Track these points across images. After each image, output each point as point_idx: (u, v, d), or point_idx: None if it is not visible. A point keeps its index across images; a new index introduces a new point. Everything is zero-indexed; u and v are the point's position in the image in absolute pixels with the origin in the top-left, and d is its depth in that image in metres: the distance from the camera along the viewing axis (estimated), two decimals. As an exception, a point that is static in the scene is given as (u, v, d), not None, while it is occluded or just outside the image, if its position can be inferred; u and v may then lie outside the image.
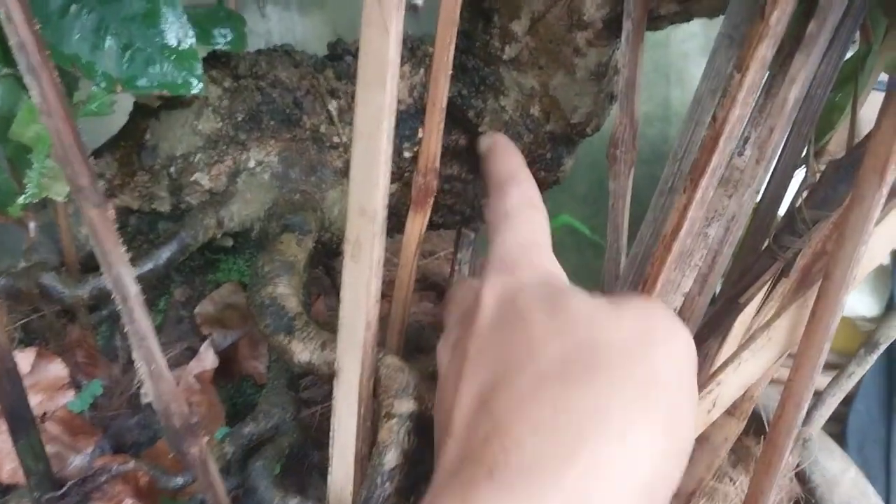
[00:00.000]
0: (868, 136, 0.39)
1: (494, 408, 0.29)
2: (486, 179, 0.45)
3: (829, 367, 0.49)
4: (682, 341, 0.32)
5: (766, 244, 0.46)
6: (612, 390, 0.28)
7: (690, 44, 1.24)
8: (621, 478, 0.26)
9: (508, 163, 0.44)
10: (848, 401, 0.97)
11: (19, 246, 0.56)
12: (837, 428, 0.98)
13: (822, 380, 0.52)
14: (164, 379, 0.34)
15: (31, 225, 0.46)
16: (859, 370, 0.53)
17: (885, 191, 0.36)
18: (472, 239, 0.67)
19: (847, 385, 0.53)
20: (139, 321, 0.33)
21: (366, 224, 0.40)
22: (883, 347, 0.52)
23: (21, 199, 0.42)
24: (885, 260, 0.90)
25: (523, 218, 0.40)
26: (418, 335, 0.66)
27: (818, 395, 0.55)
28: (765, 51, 0.36)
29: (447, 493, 0.27)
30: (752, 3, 0.40)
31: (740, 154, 0.42)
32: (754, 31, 0.36)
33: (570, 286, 0.36)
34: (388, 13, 0.38)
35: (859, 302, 0.93)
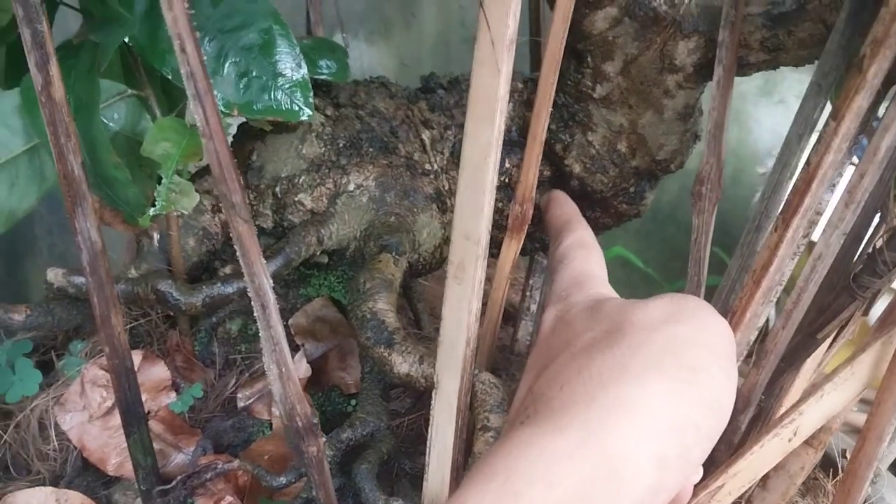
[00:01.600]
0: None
1: (535, 388, 0.33)
2: (547, 230, 0.51)
3: None
4: (710, 319, 0.33)
5: (845, 283, 0.48)
6: (632, 351, 0.31)
7: (748, 84, 1.26)
8: (640, 413, 0.28)
9: (563, 212, 0.50)
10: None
11: (120, 254, 0.60)
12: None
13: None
14: (293, 381, 0.37)
15: (155, 235, 0.50)
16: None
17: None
18: (544, 266, 0.69)
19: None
20: (275, 327, 0.36)
21: (470, 248, 0.43)
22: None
23: (151, 212, 0.45)
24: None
25: (575, 256, 0.44)
26: (491, 358, 0.68)
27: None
28: (861, 101, 0.39)
29: (487, 453, 0.30)
30: (844, 54, 0.42)
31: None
32: (851, 83, 0.39)
33: (616, 297, 0.39)
34: (500, 54, 0.41)
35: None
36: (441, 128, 0.57)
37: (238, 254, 0.35)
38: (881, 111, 0.40)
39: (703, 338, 0.32)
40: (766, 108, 1.24)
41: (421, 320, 0.68)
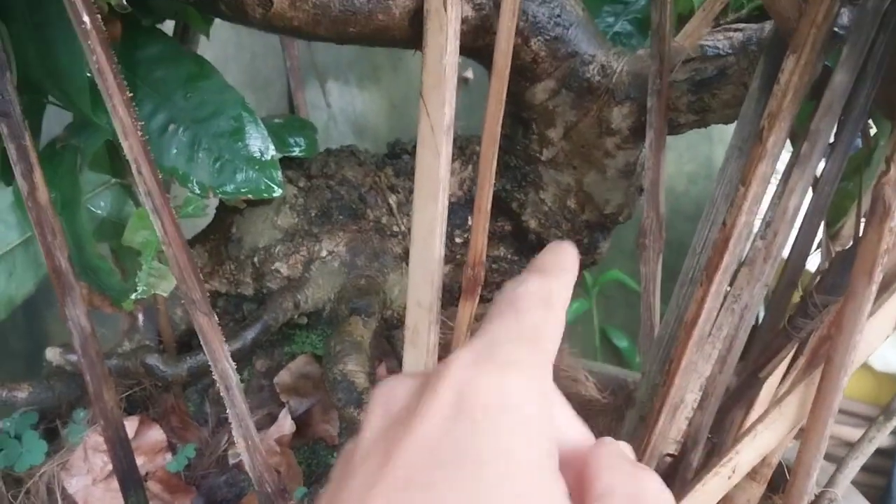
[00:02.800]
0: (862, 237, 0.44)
1: None
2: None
3: (870, 420, 0.54)
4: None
5: (782, 325, 0.51)
6: None
7: (732, 104, 1.28)
8: None
9: (549, 259, 0.33)
10: (893, 454, 0.99)
11: (115, 326, 0.64)
12: (883, 481, 1.00)
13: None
14: (259, 452, 0.41)
15: (140, 316, 0.54)
16: (879, 435, 0.57)
17: (874, 288, 0.41)
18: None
19: (869, 449, 0.57)
20: (239, 406, 0.40)
21: (422, 314, 0.47)
22: (901, 415, 0.56)
23: (134, 296, 0.49)
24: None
25: (533, 312, 0.30)
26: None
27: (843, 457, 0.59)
28: (764, 168, 0.42)
29: None
30: (755, 120, 0.46)
31: (762, 237, 0.47)
32: (755, 152, 0.42)
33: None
34: (440, 138, 0.46)
35: (899, 358, 0.96)
36: (406, 191, 0.61)
37: (202, 343, 0.40)
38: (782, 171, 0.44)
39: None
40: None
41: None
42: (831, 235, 0.58)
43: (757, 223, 0.46)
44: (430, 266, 0.46)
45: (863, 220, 0.53)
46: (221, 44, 1.20)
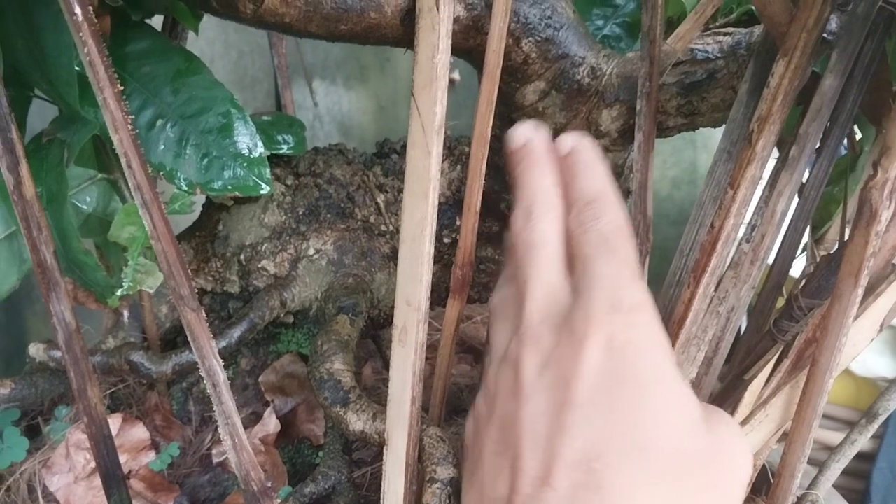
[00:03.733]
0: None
1: (605, 489, 0.31)
2: (571, 187, 0.41)
3: (851, 424, 0.55)
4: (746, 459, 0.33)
5: (767, 328, 0.52)
6: None
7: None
8: None
9: (598, 178, 0.40)
10: (872, 458, 1.00)
11: (99, 322, 0.64)
12: (862, 484, 1.01)
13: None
14: (245, 450, 0.41)
15: (125, 312, 0.54)
16: (861, 438, 0.58)
17: (860, 291, 0.41)
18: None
19: (850, 452, 0.58)
20: (226, 403, 0.40)
21: (411, 313, 0.47)
22: (882, 418, 0.57)
23: (119, 292, 0.49)
24: (903, 323, 0.94)
25: (629, 247, 0.37)
26: (456, 398, 0.72)
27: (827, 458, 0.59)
28: (753, 171, 0.42)
29: None
30: (745, 124, 0.46)
31: (748, 241, 0.47)
32: (744, 155, 0.43)
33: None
34: (430, 137, 0.45)
35: (878, 363, 0.97)
36: (395, 191, 0.61)
37: (189, 339, 0.39)
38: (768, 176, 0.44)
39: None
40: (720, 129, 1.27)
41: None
42: (816, 240, 0.59)
43: (742, 228, 0.46)
44: (419, 265, 0.46)
45: (848, 224, 0.53)
46: (209, 42, 1.20)
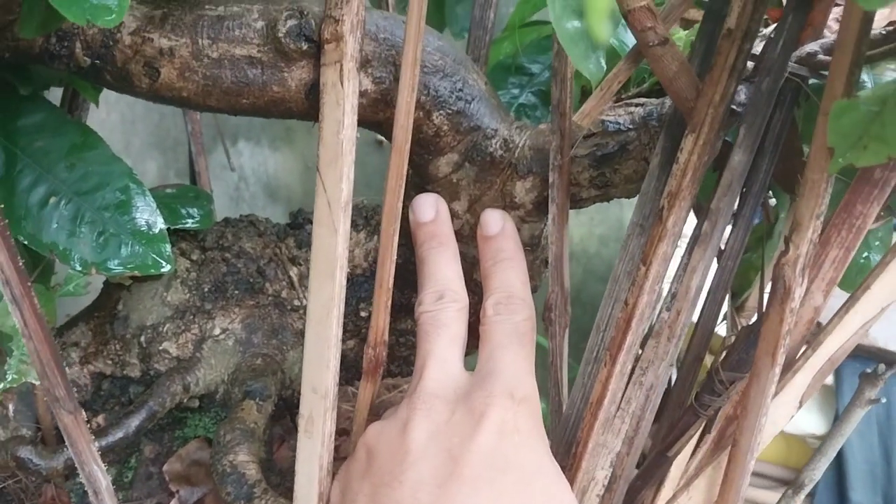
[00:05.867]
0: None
1: None
2: (493, 273, 0.49)
3: (782, 482, 0.53)
4: None
5: (689, 402, 0.50)
6: None
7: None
8: None
9: (519, 275, 0.49)
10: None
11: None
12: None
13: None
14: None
15: (11, 406, 0.50)
16: (790, 507, 0.57)
17: (777, 370, 0.40)
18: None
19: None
20: (107, 513, 0.37)
21: (318, 401, 0.44)
22: (808, 489, 0.56)
23: (1, 385, 0.45)
24: (829, 380, 0.95)
25: (533, 345, 0.46)
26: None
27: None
28: (665, 247, 0.42)
29: None
30: (656, 198, 0.45)
31: (668, 309, 0.46)
32: (655, 231, 0.42)
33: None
34: (336, 215, 0.44)
35: (807, 420, 0.97)
36: (309, 264, 0.59)
37: (67, 443, 0.36)
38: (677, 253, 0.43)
39: None
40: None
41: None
42: (737, 307, 0.58)
43: (666, 287, 0.46)
44: (326, 348, 0.44)
45: (766, 293, 0.53)
46: (129, 104, 1.16)
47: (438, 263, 0.48)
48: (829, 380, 0.97)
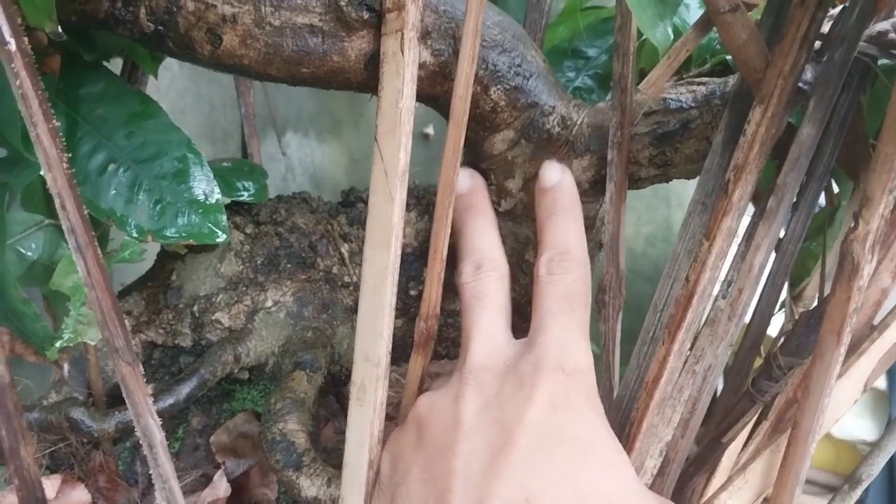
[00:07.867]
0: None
1: None
2: (546, 227, 0.47)
3: (830, 489, 0.52)
4: None
5: (745, 388, 0.49)
6: None
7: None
8: None
9: (574, 229, 0.47)
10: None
11: (46, 377, 0.60)
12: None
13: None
14: (182, 519, 0.37)
15: (66, 366, 0.50)
16: (844, 506, 0.55)
17: (842, 350, 0.39)
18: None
19: (834, 520, 0.55)
20: (163, 465, 0.37)
21: (370, 369, 0.44)
22: (865, 484, 0.54)
23: (58, 344, 0.46)
24: (882, 384, 0.93)
25: (587, 309, 0.45)
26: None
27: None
28: (730, 222, 0.41)
29: None
30: (720, 175, 0.44)
31: (724, 297, 0.45)
32: (720, 206, 0.41)
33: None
34: (393, 184, 0.43)
35: (858, 426, 0.95)
36: (359, 241, 0.59)
37: (124, 395, 0.36)
38: (746, 228, 0.42)
39: None
40: (693, 185, 1.27)
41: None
42: (794, 296, 0.57)
43: (718, 284, 0.45)
44: (379, 317, 0.44)
45: (827, 280, 0.52)
46: (180, 94, 1.18)
47: (476, 232, 0.48)
48: (882, 384, 0.95)
